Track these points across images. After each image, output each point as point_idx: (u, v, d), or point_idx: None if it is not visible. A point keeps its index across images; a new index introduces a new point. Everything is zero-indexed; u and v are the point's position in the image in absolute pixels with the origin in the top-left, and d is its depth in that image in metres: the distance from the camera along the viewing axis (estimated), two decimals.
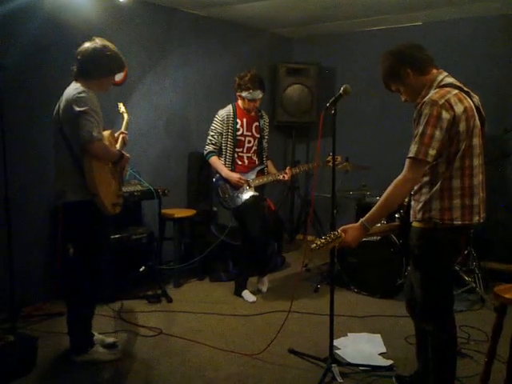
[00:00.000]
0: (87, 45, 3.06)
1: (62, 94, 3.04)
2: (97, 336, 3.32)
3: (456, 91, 2.34)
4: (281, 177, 4.37)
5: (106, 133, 3.19)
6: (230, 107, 4.35)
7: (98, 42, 3.07)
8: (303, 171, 4.67)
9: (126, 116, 3.64)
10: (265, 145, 4.47)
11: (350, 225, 2.48)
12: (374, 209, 2.42)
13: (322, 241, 2.46)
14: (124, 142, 3.40)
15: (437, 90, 2.36)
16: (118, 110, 3.71)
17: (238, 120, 4.32)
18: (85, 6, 4.26)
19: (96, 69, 3.04)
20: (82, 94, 2.92)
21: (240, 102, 4.34)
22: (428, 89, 2.42)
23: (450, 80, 2.43)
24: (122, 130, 3.46)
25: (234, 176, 4.25)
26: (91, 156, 2.91)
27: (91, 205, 2.98)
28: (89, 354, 3.18)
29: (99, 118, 2.96)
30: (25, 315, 3.82)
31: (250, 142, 4.36)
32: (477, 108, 2.40)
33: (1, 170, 3.54)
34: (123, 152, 3.23)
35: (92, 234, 3.12)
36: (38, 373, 3.07)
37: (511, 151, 4.86)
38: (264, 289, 4.60)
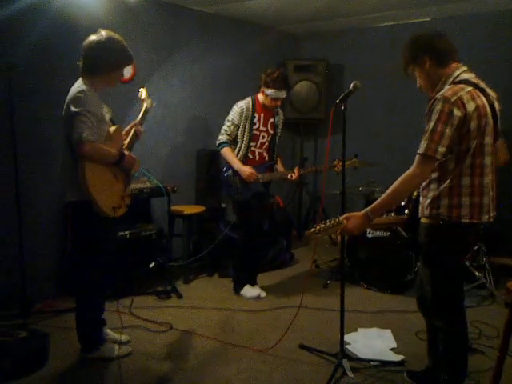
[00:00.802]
0: (92, 38, 2.94)
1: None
2: (109, 333, 3.33)
3: (470, 88, 2.31)
4: (289, 176, 4.37)
5: (112, 129, 3.08)
6: (249, 100, 4.27)
7: (103, 34, 2.95)
8: (311, 172, 4.66)
9: (144, 104, 3.45)
10: (277, 142, 4.46)
11: (354, 213, 2.48)
12: (379, 200, 2.43)
13: (322, 225, 2.47)
14: (136, 136, 3.29)
15: (450, 86, 2.34)
16: (139, 97, 3.54)
17: (256, 114, 4.26)
18: (93, 4, 4.29)
19: (102, 63, 2.93)
20: (80, 94, 2.84)
21: (261, 98, 4.26)
22: (443, 84, 2.40)
23: (466, 76, 2.39)
24: (137, 121, 3.33)
25: (247, 170, 4.18)
26: (84, 158, 2.82)
27: (91, 205, 2.89)
28: (99, 351, 3.19)
29: (96, 119, 2.86)
30: (36, 311, 3.85)
31: (263, 137, 4.34)
32: (491, 106, 2.37)
33: (12, 168, 3.56)
34: (125, 152, 3.09)
35: (92, 234, 3.05)
36: (50, 368, 3.09)
37: None
38: (262, 294, 4.43)
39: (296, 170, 4.36)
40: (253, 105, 4.25)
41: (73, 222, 3.11)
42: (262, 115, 4.30)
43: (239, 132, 4.24)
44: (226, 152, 4.24)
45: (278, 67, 4.25)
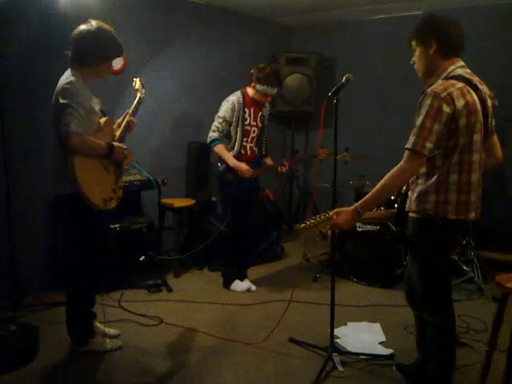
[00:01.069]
0: (82, 27, 2.88)
1: None
2: (99, 327, 3.32)
3: (461, 85, 2.30)
4: (279, 169, 4.37)
5: (102, 120, 3.04)
6: (239, 95, 4.22)
7: (93, 24, 2.89)
8: (300, 162, 4.67)
9: (138, 94, 3.38)
10: (265, 134, 4.44)
11: (343, 208, 2.49)
12: (368, 195, 2.43)
13: (312, 221, 2.47)
14: (129, 127, 3.24)
15: (442, 81, 2.34)
16: (133, 86, 3.47)
17: (247, 109, 4.23)
18: None
19: (91, 54, 2.88)
20: (68, 85, 2.80)
21: (250, 92, 4.22)
22: (436, 78, 2.40)
23: (460, 71, 2.38)
24: (130, 110, 3.27)
25: (244, 167, 4.15)
26: (72, 151, 2.78)
27: (81, 198, 2.86)
28: (89, 344, 3.18)
29: (84, 111, 2.82)
30: (26, 305, 3.82)
31: (254, 131, 4.32)
32: (482, 102, 2.36)
33: (1, 160, 3.53)
34: (116, 144, 3.03)
35: (83, 227, 3.02)
36: (40, 362, 3.08)
37: (509, 140, 4.86)
38: (253, 287, 4.45)
39: (285, 162, 4.36)
40: (243, 99, 4.22)
41: (63, 215, 3.08)
42: (252, 110, 4.27)
43: (232, 129, 4.21)
44: (220, 149, 4.20)
45: (270, 63, 4.21)
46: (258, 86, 4.13)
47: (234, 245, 4.41)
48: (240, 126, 4.20)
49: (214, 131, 4.22)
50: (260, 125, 4.36)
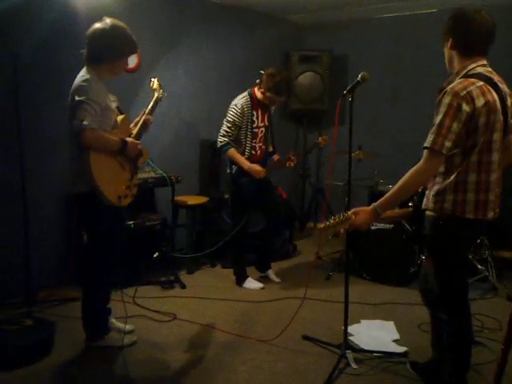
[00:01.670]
0: (96, 26, 2.90)
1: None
2: (114, 323, 3.35)
3: (481, 83, 2.27)
4: (288, 164, 4.39)
5: (120, 118, 3.08)
6: (247, 97, 4.22)
7: (107, 22, 2.91)
8: (307, 153, 4.67)
9: (155, 94, 3.38)
10: (271, 131, 4.45)
11: (362, 208, 2.46)
12: (387, 195, 2.41)
13: (331, 221, 2.46)
14: (146, 126, 3.24)
15: (461, 79, 2.31)
16: (151, 86, 3.47)
17: (254, 112, 4.23)
18: None
19: (106, 52, 2.89)
20: (84, 83, 2.82)
21: (259, 95, 4.21)
22: (455, 76, 2.38)
23: (480, 70, 2.34)
24: (147, 109, 3.28)
25: (258, 169, 4.18)
26: (86, 146, 2.80)
27: (97, 195, 2.89)
28: (104, 340, 3.21)
29: (100, 108, 2.84)
30: (40, 300, 3.86)
31: (262, 132, 4.34)
32: (502, 101, 2.33)
33: (17, 157, 3.57)
34: (129, 140, 3.04)
35: (103, 224, 3.06)
36: (55, 357, 3.11)
37: None
38: (276, 279, 4.59)
39: (292, 157, 4.38)
40: (251, 102, 4.22)
41: (82, 213, 3.11)
42: (260, 111, 4.28)
43: (241, 132, 4.22)
44: (233, 154, 4.21)
45: (280, 71, 4.18)
46: (268, 94, 4.13)
47: (240, 243, 4.45)
48: (250, 129, 4.22)
49: (223, 136, 4.23)
50: (267, 124, 4.37)
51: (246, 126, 4.21)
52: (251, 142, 4.25)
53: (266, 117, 4.34)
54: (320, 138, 4.47)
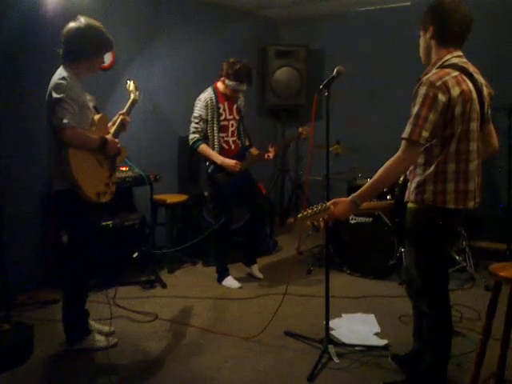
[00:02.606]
0: (71, 25, 2.93)
1: (51, 77, 2.95)
2: (93, 324, 3.31)
3: (456, 73, 2.30)
4: (266, 156, 4.38)
5: (97, 117, 3.09)
6: (210, 91, 4.22)
7: (82, 20, 2.93)
8: (285, 145, 4.78)
9: (132, 96, 3.42)
10: (244, 125, 4.44)
11: (341, 198, 2.48)
12: (365, 186, 2.42)
13: (309, 211, 2.48)
14: (123, 125, 3.27)
15: (437, 70, 2.33)
16: (127, 88, 3.50)
17: (221, 105, 4.22)
18: None
19: (82, 50, 2.93)
20: (62, 81, 2.84)
21: (221, 86, 4.23)
22: (432, 67, 2.39)
23: (455, 60, 2.37)
24: (123, 110, 3.31)
25: (231, 162, 4.17)
26: (65, 144, 2.81)
27: (77, 192, 2.90)
28: (85, 342, 3.17)
29: (77, 106, 2.85)
30: (19, 303, 3.80)
31: (232, 125, 4.32)
32: (478, 91, 2.36)
33: None
34: (109, 138, 3.07)
35: (81, 222, 3.06)
36: (35, 361, 3.06)
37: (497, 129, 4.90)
38: (259, 275, 4.58)
39: (271, 149, 4.38)
40: (215, 95, 4.21)
41: (61, 211, 3.10)
42: (226, 104, 4.27)
43: (208, 126, 4.20)
44: (205, 149, 4.20)
45: (240, 59, 4.15)
46: (228, 81, 4.13)
47: (222, 241, 4.43)
48: (216, 122, 4.20)
49: (193, 133, 4.22)
50: (237, 117, 4.35)
51: (212, 119, 4.19)
52: (218, 134, 4.23)
53: (234, 109, 4.33)
54: (301, 128, 4.49)
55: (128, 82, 3.52)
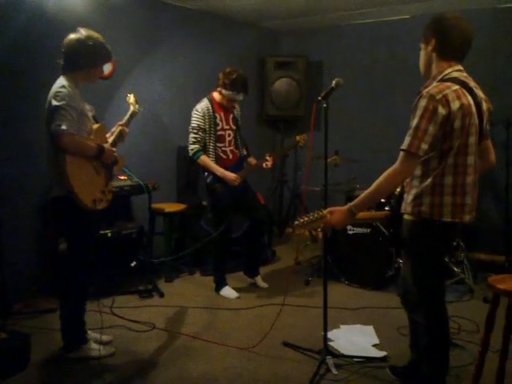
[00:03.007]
0: (71, 36, 3.01)
1: (51, 86, 2.99)
2: (90, 334, 3.30)
3: (456, 87, 2.31)
4: (264, 165, 4.39)
5: (95, 126, 3.13)
6: (206, 101, 4.24)
7: (82, 32, 3.02)
8: (283, 154, 4.83)
9: (131, 108, 3.50)
10: (240, 135, 4.45)
11: (338, 207, 2.49)
12: (362, 195, 2.43)
13: (306, 219, 2.49)
14: (121, 136, 3.32)
15: (438, 83, 2.34)
16: (127, 100, 3.56)
17: (217, 115, 4.24)
18: None
19: (81, 60, 2.99)
20: (61, 89, 2.89)
21: (217, 96, 4.25)
22: (432, 80, 2.41)
23: (456, 74, 2.38)
24: (122, 122, 3.36)
25: (231, 176, 4.18)
26: (63, 150, 2.85)
27: (73, 199, 2.93)
28: (82, 351, 3.16)
29: (76, 114, 2.90)
30: (15, 312, 3.78)
31: (229, 135, 4.33)
32: (477, 105, 2.37)
33: None
34: (106, 146, 3.10)
35: (79, 229, 3.08)
36: (32, 370, 3.05)
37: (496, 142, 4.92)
38: (264, 285, 4.58)
39: (268, 158, 4.39)
40: (212, 105, 4.23)
41: (60, 217, 3.13)
42: (223, 114, 4.29)
43: (206, 136, 4.21)
44: (205, 160, 4.20)
45: (237, 69, 4.18)
46: (224, 91, 4.15)
47: (221, 250, 4.42)
48: (213, 131, 4.21)
49: (193, 143, 4.22)
50: (234, 127, 4.37)
51: (210, 129, 4.20)
52: (215, 144, 4.23)
53: (230, 119, 4.35)
54: (298, 137, 4.50)
55: (128, 95, 3.60)
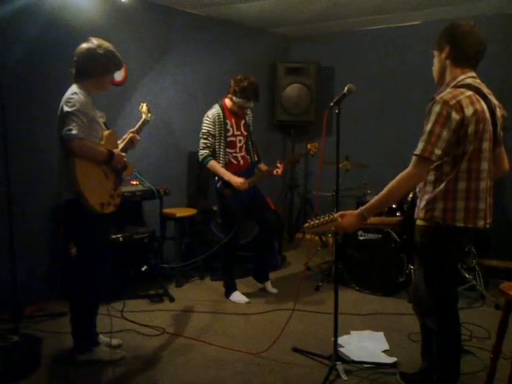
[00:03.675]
0: (83, 45, 3.08)
1: (63, 93, 3.05)
2: (101, 338, 3.32)
3: (470, 93, 2.31)
4: (274, 172, 4.40)
5: (106, 132, 3.18)
6: (217, 107, 4.26)
7: (93, 41, 3.09)
8: (293, 161, 4.83)
9: (143, 116, 3.56)
10: (252, 140, 4.46)
11: (349, 211, 2.50)
12: (374, 199, 2.43)
13: (316, 221, 2.50)
14: (132, 142, 3.36)
15: (451, 89, 2.35)
16: (140, 109, 3.61)
17: (228, 121, 4.26)
18: (85, 5, 4.28)
19: (92, 68, 3.05)
20: (73, 96, 2.95)
21: (228, 103, 4.27)
22: (446, 86, 2.42)
23: (469, 81, 2.39)
24: (134, 129, 3.42)
25: (238, 180, 4.19)
26: (73, 154, 2.90)
27: (82, 203, 2.97)
28: (92, 354, 3.18)
29: (87, 119, 2.96)
30: (27, 315, 3.81)
31: (240, 141, 4.35)
32: (491, 112, 2.37)
33: (3, 169, 3.54)
34: (116, 151, 3.14)
35: (90, 232, 3.12)
36: (43, 373, 3.07)
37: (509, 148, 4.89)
38: (274, 290, 4.58)
39: (279, 165, 4.39)
40: (223, 112, 4.24)
41: (71, 221, 3.15)
42: (234, 120, 4.30)
43: (216, 141, 4.23)
44: (214, 165, 4.22)
45: (248, 76, 4.18)
46: (235, 98, 4.17)
47: (230, 256, 4.44)
48: (223, 137, 4.23)
49: (203, 148, 4.24)
50: (245, 133, 4.39)
51: (220, 134, 4.22)
52: (225, 150, 4.25)
53: (242, 125, 4.36)
54: (309, 145, 4.49)
55: (141, 104, 3.65)
